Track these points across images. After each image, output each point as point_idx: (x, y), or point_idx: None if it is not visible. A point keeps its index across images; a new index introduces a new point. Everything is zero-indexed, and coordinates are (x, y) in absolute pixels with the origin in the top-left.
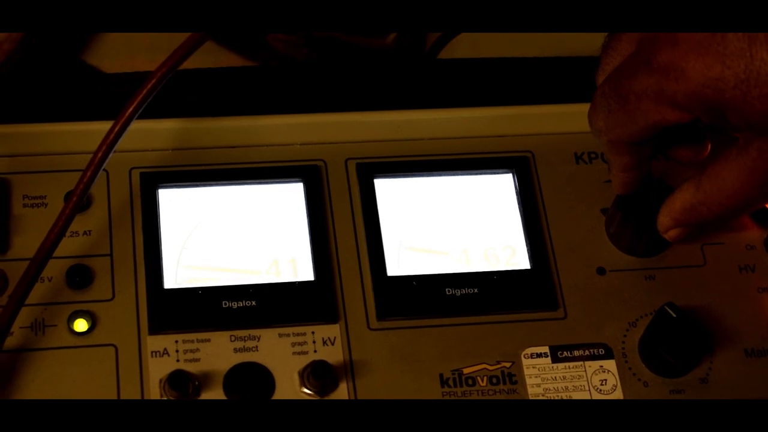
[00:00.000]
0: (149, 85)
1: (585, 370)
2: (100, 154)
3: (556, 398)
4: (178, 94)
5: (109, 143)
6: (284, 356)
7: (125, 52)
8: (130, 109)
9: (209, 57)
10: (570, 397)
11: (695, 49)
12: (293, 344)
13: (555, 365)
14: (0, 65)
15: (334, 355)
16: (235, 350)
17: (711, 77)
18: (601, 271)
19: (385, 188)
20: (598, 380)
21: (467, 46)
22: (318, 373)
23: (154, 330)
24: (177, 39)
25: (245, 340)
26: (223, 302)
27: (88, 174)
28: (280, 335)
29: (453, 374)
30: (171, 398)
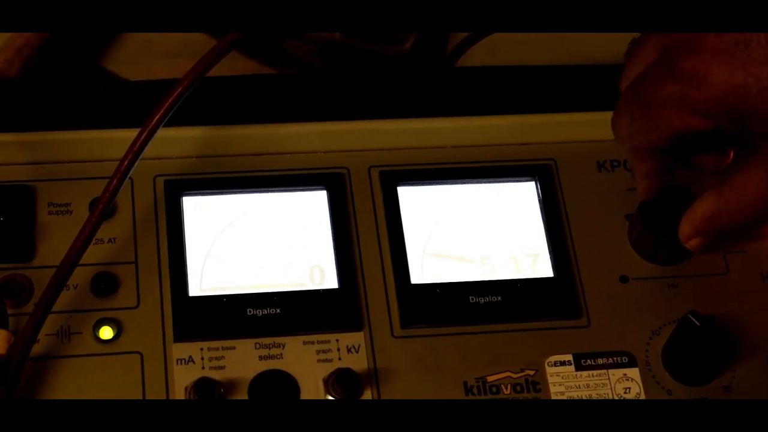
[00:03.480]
0: (175, 93)
1: (608, 378)
2: (126, 162)
3: None
4: (202, 101)
5: (135, 151)
6: (309, 364)
7: (143, 58)
8: (157, 117)
9: (227, 63)
10: None
11: (718, 56)
12: (318, 352)
13: (578, 373)
14: (18, 71)
15: (358, 362)
16: (260, 358)
17: (734, 84)
18: (624, 279)
19: (409, 196)
20: (621, 388)
21: (485, 52)
22: (343, 381)
23: (179, 337)
24: (195, 45)
25: (270, 348)
26: (248, 310)
27: (114, 182)
28: (305, 343)
29: (477, 382)
30: None
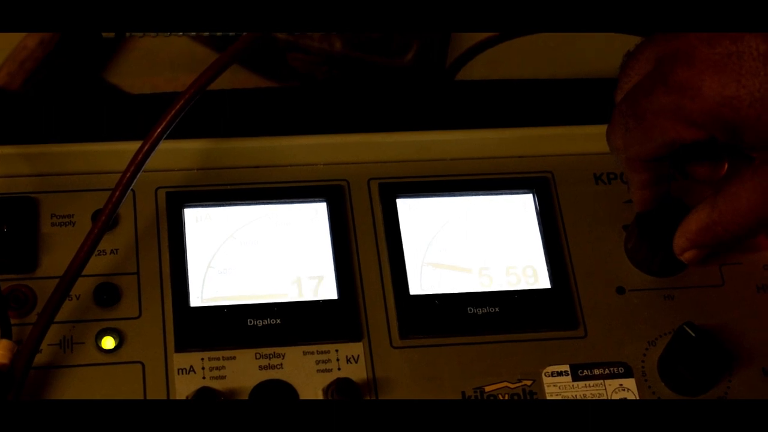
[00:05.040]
0: (177, 106)
1: (605, 389)
2: (128, 174)
3: None
4: (203, 114)
5: (137, 163)
6: (309, 374)
7: (146, 71)
8: (159, 130)
9: (228, 76)
10: None
11: (711, 68)
12: (317, 362)
13: (575, 383)
14: (22, 84)
15: (357, 372)
16: (260, 368)
17: (726, 96)
18: (620, 290)
19: (408, 208)
20: (617, 398)
21: (484, 66)
22: (342, 391)
23: (180, 347)
24: (197, 58)
25: (270, 358)
26: (248, 320)
27: (117, 194)
28: (305, 353)
29: (475, 392)
30: None
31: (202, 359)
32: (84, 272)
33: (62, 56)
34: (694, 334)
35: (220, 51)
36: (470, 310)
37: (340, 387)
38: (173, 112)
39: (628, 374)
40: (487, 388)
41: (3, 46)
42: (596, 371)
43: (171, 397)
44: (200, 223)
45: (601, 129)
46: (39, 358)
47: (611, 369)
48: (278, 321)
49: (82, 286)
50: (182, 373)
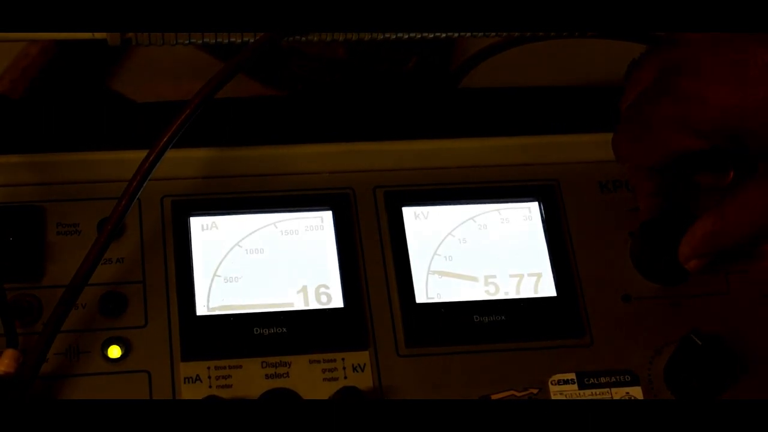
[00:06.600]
0: (184, 115)
1: (611, 397)
2: (135, 183)
3: None
4: (209, 122)
5: (143, 172)
6: (315, 382)
7: (149, 78)
8: (165, 138)
9: (231, 84)
10: None
11: (716, 77)
12: (323, 371)
13: (582, 392)
14: (23, 92)
15: (363, 381)
16: (267, 376)
17: (731, 105)
18: (626, 298)
19: (413, 216)
20: None
21: (488, 73)
22: (348, 399)
23: (186, 356)
24: (200, 65)
25: (276, 367)
26: (255, 329)
27: (123, 203)
28: (311, 362)
29: None
30: None
31: (209, 368)
32: (90, 281)
33: (64, 64)
34: (700, 342)
35: (223, 58)
36: (476, 318)
37: (347, 396)
38: (180, 120)
39: (634, 382)
40: (494, 396)
41: (4, 54)
42: (602, 379)
43: None
44: (206, 232)
45: (607, 137)
46: (45, 368)
47: (617, 377)
48: (284, 330)
49: (88, 295)
50: (188, 382)
